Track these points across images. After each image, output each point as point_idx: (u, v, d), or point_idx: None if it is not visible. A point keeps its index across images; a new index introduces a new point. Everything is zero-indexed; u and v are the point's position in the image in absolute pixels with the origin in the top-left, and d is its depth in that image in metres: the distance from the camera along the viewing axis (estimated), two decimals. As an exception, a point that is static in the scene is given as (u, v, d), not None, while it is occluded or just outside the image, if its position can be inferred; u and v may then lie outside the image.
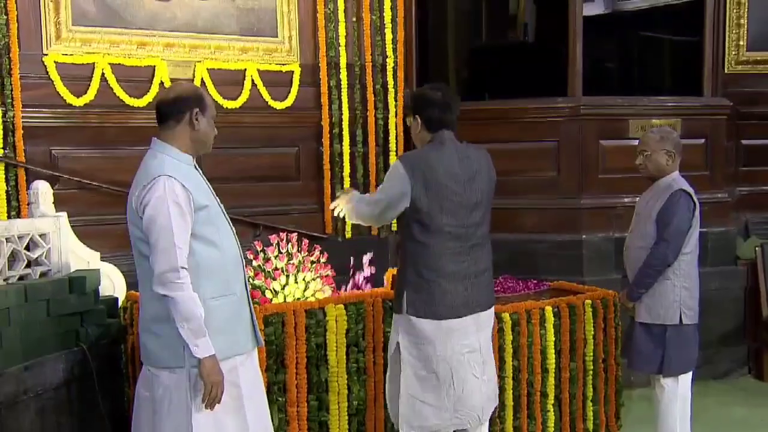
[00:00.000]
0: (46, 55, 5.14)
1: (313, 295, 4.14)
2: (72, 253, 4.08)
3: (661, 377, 4.22)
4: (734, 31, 6.87)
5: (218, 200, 3.13)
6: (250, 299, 3.16)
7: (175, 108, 3.03)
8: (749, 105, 6.81)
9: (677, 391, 4.22)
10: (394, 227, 6.36)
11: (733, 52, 6.90)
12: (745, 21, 6.87)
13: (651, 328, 4.20)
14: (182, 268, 2.86)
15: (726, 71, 6.86)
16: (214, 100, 3.31)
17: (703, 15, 6.57)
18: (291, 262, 4.13)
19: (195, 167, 3.11)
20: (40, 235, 3.92)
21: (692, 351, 4.25)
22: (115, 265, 4.44)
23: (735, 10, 6.84)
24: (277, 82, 5.97)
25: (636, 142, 6.17)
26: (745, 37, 6.88)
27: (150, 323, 3.00)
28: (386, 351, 4.12)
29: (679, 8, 7.36)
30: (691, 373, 4.28)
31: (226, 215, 3.13)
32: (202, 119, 3.04)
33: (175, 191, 2.89)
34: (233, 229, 3.14)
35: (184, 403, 2.92)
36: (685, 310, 4.15)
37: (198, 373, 2.87)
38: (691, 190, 4.19)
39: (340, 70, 6.14)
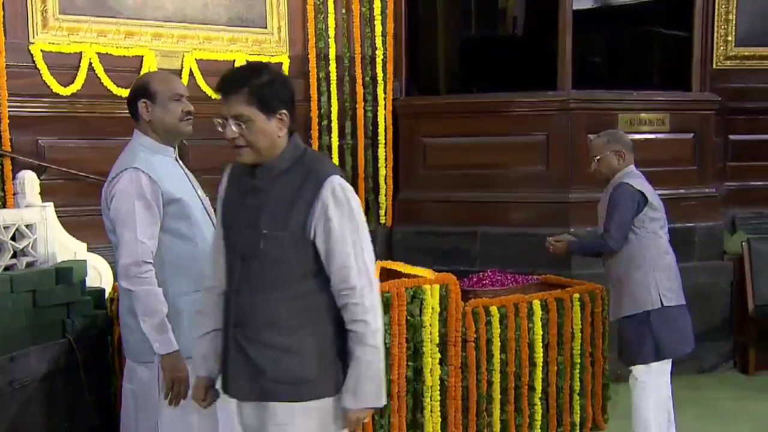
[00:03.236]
0: (33, 43, 5.10)
1: (301, 287, 4.11)
2: (58, 243, 4.05)
3: (642, 367, 4.21)
4: (723, 27, 6.88)
5: (201, 193, 3.10)
6: None
7: (131, 104, 3.06)
8: (737, 100, 6.83)
9: (651, 382, 4.20)
10: (382, 220, 6.37)
11: (722, 48, 6.91)
12: (734, 16, 6.88)
13: (635, 318, 4.19)
14: (145, 262, 2.83)
15: (714, 66, 6.86)
16: (179, 81, 3.20)
17: (692, 10, 6.57)
18: (279, 254, 4.10)
19: (175, 159, 3.08)
20: (26, 226, 3.89)
21: (683, 332, 4.26)
22: (102, 255, 4.42)
23: (724, 6, 6.85)
24: (267, 73, 5.93)
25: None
26: (734, 33, 6.90)
27: (125, 316, 2.98)
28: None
29: (668, 3, 7.36)
30: (669, 364, 4.27)
31: (209, 209, 3.08)
32: (154, 108, 3.01)
33: (141, 184, 2.87)
34: (213, 223, 3.01)
35: (154, 398, 2.91)
36: (664, 293, 4.17)
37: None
38: (635, 180, 4.22)
39: (330, 62, 6.12)
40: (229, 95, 2.41)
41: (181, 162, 3.12)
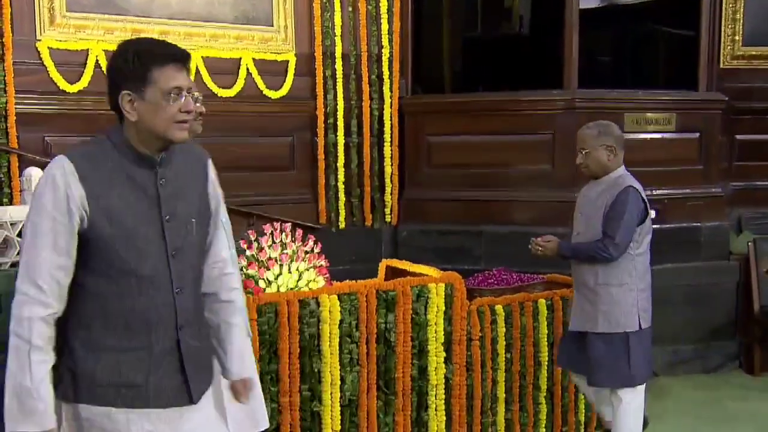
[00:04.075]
0: (40, 40, 5.11)
1: (306, 285, 4.13)
2: (65, 240, 4.05)
3: (628, 390, 3.96)
4: (730, 26, 6.88)
5: None
6: None
7: None
8: (744, 100, 6.82)
9: (637, 401, 4.00)
10: (388, 218, 6.38)
11: (729, 47, 6.90)
12: (741, 16, 6.87)
13: (610, 338, 3.90)
14: None
15: (721, 66, 6.87)
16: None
17: (699, 9, 6.55)
18: (284, 252, 4.11)
19: None
20: (33, 222, 3.89)
21: (650, 355, 4.04)
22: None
23: (731, 5, 6.85)
24: (273, 71, 5.95)
25: (631, 136, 6.23)
26: (741, 32, 6.89)
27: None
28: (379, 342, 4.13)
29: (674, 2, 7.35)
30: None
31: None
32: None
33: None
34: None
35: None
36: (642, 314, 3.92)
37: None
38: (640, 187, 3.94)
39: (336, 60, 6.12)
40: (186, 67, 2.27)
41: None
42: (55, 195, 2.16)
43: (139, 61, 2.21)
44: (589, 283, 3.96)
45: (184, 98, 2.24)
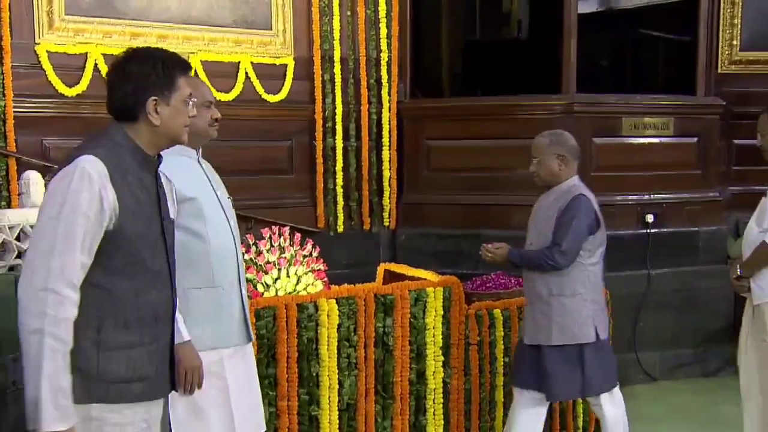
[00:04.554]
0: (39, 44, 5.12)
1: (304, 289, 4.12)
2: (63, 244, 4.05)
3: (600, 397, 3.96)
4: (728, 31, 6.88)
5: (221, 194, 3.13)
6: (244, 295, 3.15)
7: None
8: (742, 104, 6.82)
9: (621, 406, 4.02)
10: (386, 222, 6.38)
11: (727, 52, 6.90)
12: (739, 21, 6.87)
13: (565, 350, 3.83)
14: None
15: (719, 70, 6.86)
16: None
17: (697, 14, 6.57)
18: (283, 255, 4.11)
19: (198, 161, 3.13)
20: (31, 226, 3.90)
21: (612, 365, 4.00)
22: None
23: (729, 10, 6.84)
24: (271, 75, 5.95)
25: (629, 140, 6.25)
26: (739, 37, 6.89)
27: None
28: (377, 346, 4.12)
29: (672, 7, 7.36)
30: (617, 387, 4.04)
31: (227, 210, 3.13)
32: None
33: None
34: (232, 224, 3.12)
35: None
36: (598, 324, 3.86)
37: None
38: (592, 197, 3.89)
39: (334, 64, 6.13)
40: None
41: (205, 163, 3.16)
42: (90, 194, 2.21)
43: (167, 69, 2.37)
44: (542, 295, 3.89)
45: (191, 104, 2.44)
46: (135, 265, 2.32)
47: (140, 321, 2.33)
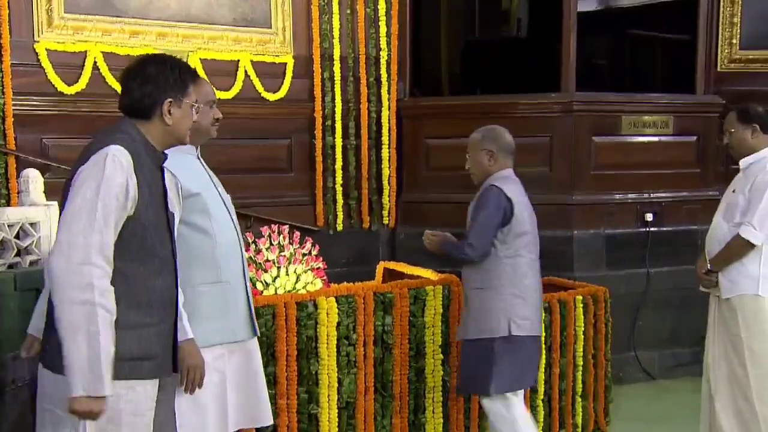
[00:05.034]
0: (38, 42, 5.11)
1: (304, 287, 4.13)
2: (62, 242, 4.05)
3: (486, 399, 3.79)
4: (727, 30, 6.87)
5: (221, 190, 3.17)
6: (249, 290, 3.16)
7: None
8: (741, 103, 6.81)
9: (505, 414, 3.75)
10: (385, 221, 6.38)
11: (726, 51, 6.90)
12: (739, 19, 6.87)
13: (478, 344, 3.73)
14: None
15: (719, 69, 6.86)
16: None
17: (696, 13, 6.57)
18: (282, 254, 4.12)
19: (198, 157, 3.16)
20: (31, 224, 3.90)
21: (527, 366, 3.80)
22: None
23: (728, 9, 6.84)
24: (271, 73, 5.95)
25: (628, 139, 6.25)
26: (738, 36, 6.89)
27: None
28: (377, 344, 4.13)
29: (672, 6, 7.36)
30: (521, 396, 3.84)
31: (229, 206, 3.17)
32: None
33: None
34: (234, 219, 3.16)
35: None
36: (515, 320, 3.68)
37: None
38: (509, 187, 3.75)
39: (334, 62, 6.12)
40: None
41: (202, 160, 3.19)
42: (122, 179, 2.39)
43: (182, 75, 2.60)
44: (465, 288, 3.86)
45: (195, 109, 2.66)
46: (147, 251, 2.49)
47: (150, 303, 2.50)
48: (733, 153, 4.16)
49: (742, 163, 4.07)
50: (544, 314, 4.55)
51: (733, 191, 4.05)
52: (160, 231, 2.55)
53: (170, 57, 2.68)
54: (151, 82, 2.54)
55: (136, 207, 2.43)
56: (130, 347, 2.43)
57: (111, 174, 2.37)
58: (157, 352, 2.52)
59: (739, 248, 3.89)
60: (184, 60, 2.67)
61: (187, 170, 3.01)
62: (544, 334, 4.54)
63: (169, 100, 2.55)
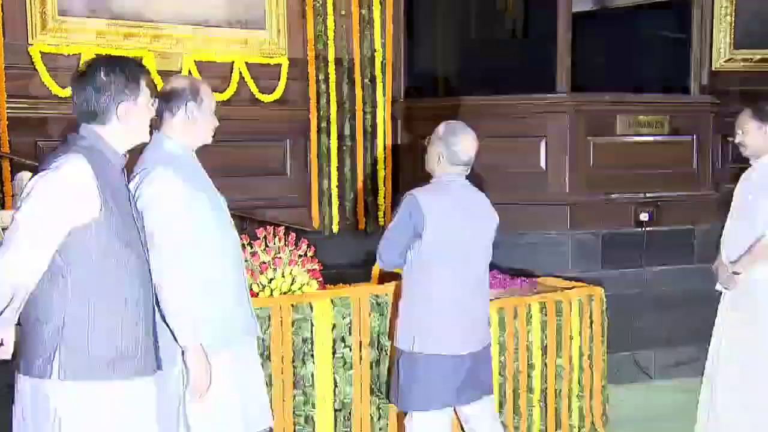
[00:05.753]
0: (32, 45, 5.11)
1: (299, 289, 4.12)
2: (56, 245, 4.04)
3: (410, 414, 3.63)
4: (722, 29, 6.88)
5: (217, 192, 3.17)
6: (247, 289, 3.19)
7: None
8: (736, 102, 6.83)
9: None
10: (381, 222, 6.38)
11: (721, 50, 6.91)
12: (733, 19, 6.88)
13: (396, 354, 3.66)
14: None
15: (713, 68, 6.87)
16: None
17: (691, 12, 6.58)
18: (278, 255, 4.11)
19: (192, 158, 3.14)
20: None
21: (439, 386, 3.49)
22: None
23: (723, 8, 6.85)
24: (265, 75, 5.95)
25: (623, 139, 6.25)
26: (733, 35, 6.90)
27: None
28: (372, 346, 4.12)
29: (667, 5, 7.37)
30: (445, 414, 3.59)
31: (224, 205, 3.20)
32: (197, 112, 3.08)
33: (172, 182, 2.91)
34: (231, 221, 3.20)
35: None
36: (421, 336, 3.46)
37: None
38: (426, 194, 3.52)
39: (329, 64, 6.12)
40: None
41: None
42: (74, 190, 2.41)
43: (133, 74, 2.58)
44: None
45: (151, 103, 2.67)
46: (118, 255, 2.50)
47: (125, 305, 2.52)
48: (745, 152, 4.19)
49: (759, 162, 4.09)
50: (539, 314, 4.56)
51: (748, 192, 4.06)
52: (127, 232, 2.55)
53: (118, 58, 2.73)
54: (104, 86, 2.51)
55: (99, 211, 2.44)
56: (106, 348, 2.47)
57: (55, 187, 2.39)
58: (134, 352, 2.53)
59: (763, 251, 3.95)
60: (138, 63, 2.71)
61: (190, 171, 3.02)
62: (539, 334, 4.55)
63: (124, 102, 2.54)
